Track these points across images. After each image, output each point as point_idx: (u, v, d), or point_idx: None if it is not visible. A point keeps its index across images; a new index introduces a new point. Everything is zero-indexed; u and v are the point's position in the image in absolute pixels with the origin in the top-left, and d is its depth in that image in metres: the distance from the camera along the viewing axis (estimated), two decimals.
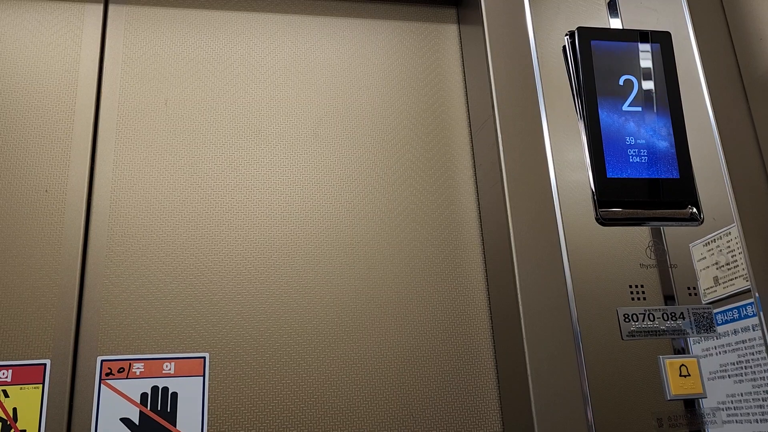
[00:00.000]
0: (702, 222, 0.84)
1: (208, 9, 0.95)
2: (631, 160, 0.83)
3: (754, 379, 0.77)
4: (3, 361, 0.76)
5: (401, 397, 0.82)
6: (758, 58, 0.90)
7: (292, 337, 0.82)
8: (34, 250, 0.80)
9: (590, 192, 0.82)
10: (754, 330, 0.78)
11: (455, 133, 0.96)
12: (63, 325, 0.78)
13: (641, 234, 0.82)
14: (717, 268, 0.82)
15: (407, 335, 0.85)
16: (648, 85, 0.87)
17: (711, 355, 0.78)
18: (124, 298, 0.80)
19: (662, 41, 0.89)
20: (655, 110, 0.86)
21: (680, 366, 0.76)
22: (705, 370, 0.77)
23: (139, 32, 0.92)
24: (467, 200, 0.92)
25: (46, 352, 0.77)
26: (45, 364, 0.76)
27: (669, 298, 0.79)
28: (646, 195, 0.82)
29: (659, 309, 0.78)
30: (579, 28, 0.87)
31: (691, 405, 0.75)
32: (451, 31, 1.01)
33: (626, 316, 0.77)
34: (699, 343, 0.78)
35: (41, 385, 0.75)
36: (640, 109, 0.85)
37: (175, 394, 0.77)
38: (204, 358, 0.79)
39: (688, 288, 0.81)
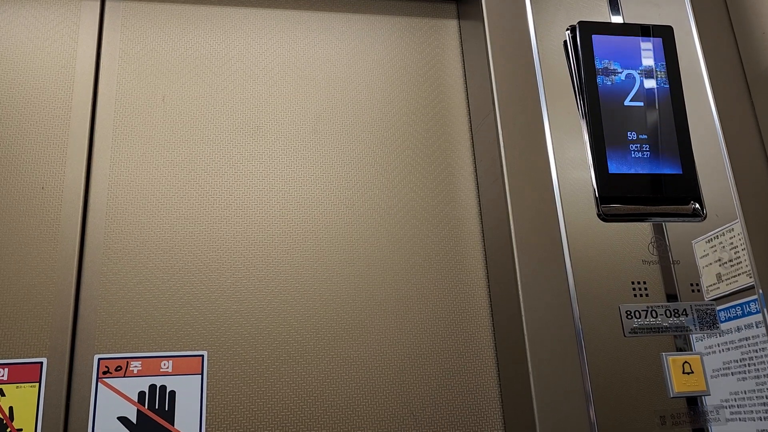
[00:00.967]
0: (705, 218, 0.83)
1: (205, 4, 0.94)
2: (633, 156, 0.82)
3: (758, 377, 0.76)
4: None
5: (401, 396, 0.82)
6: (761, 52, 0.90)
7: (291, 334, 0.82)
8: (31, 247, 0.80)
9: (592, 188, 0.81)
10: (757, 327, 0.78)
11: (455, 129, 0.95)
12: (60, 323, 0.77)
13: (643, 230, 0.81)
14: (720, 265, 0.81)
15: (407, 333, 0.84)
16: (650, 79, 0.86)
17: (714, 352, 0.78)
18: (121, 295, 0.80)
19: (664, 35, 0.89)
20: (657, 105, 0.85)
21: (683, 363, 0.75)
22: (708, 367, 0.77)
23: (136, 28, 0.91)
24: (468, 196, 0.92)
25: (43, 350, 0.76)
26: (42, 363, 0.75)
27: (671, 295, 0.79)
28: (648, 191, 0.82)
29: (662, 306, 0.78)
30: (580, 23, 0.87)
31: (694, 402, 0.75)
32: (451, 26, 1.01)
33: (628, 312, 0.76)
34: (702, 340, 0.78)
35: (38, 384, 0.74)
36: (642, 104, 0.85)
37: (173, 393, 0.77)
38: (202, 356, 0.79)
39: (691, 285, 0.80)
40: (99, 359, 0.77)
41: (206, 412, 0.77)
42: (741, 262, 0.81)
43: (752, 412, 0.75)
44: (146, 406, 0.76)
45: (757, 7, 0.91)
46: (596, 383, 0.73)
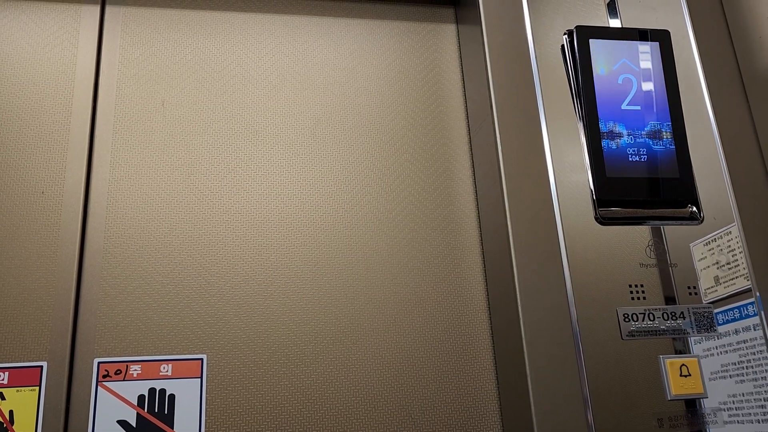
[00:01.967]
0: (702, 221, 0.83)
1: (205, 10, 0.95)
2: (630, 159, 0.83)
3: (756, 379, 0.76)
4: None
5: (400, 399, 0.82)
6: (758, 56, 0.90)
7: (290, 338, 0.82)
8: (31, 251, 0.80)
9: (589, 191, 0.81)
10: (755, 330, 0.78)
11: (453, 134, 0.95)
12: (60, 327, 0.77)
13: (641, 233, 0.81)
14: (717, 268, 0.81)
15: (406, 336, 0.84)
16: (647, 83, 0.86)
17: (712, 355, 0.78)
18: (121, 299, 0.80)
19: (661, 40, 0.89)
20: (654, 109, 0.85)
21: (681, 366, 0.75)
22: (706, 370, 0.77)
23: (136, 33, 0.92)
24: (466, 200, 0.92)
25: (43, 354, 0.76)
26: (42, 366, 0.76)
27: (669, 298, 0.79)
28: (645, 194, 0.82)
29: (659, 309, 0.78)
30: (577, 27, 0.87)
31: (692, 405, 0.75)
32: (449, 30, 1.01)
33: (626, 315, 0.77)
34: (700, 343, 0.78)
35: (38, 388, 0.75)
36: (639, 107, 0.85)
37: (172, 396, 0.77)
38: (201, 359, 0.79)
39: (689, 287, 0.80)
40: (99, 363, 0.77)
41: (206, 416, 0.77)
42: (738, 265, 0.81)
43: (750, 414, 0.76)
44: (146, 410, 0.76)
45: (754, 11, 0.92)
46: (594, 386, 0.73)
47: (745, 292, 0.80)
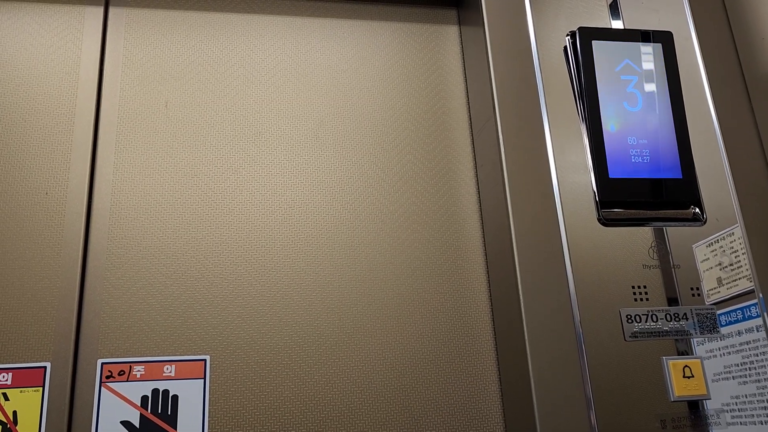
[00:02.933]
0: (705, 222, 0.83)
1: (208, 11, 0.95)
2: (633, 160, 0.83)
3: (759, 381, 0.76)
4: (3, 364, 0.76)
5: (403, 400, 0.82)
6: (760, 58, 0.90)
7: (293, 339, 0.82)
8: (35, 252, 0.80)
9: (592, 192, 0.81)
10: (758, 331, 0.78)
11: (456, 135, 0.95)
12: (63, 328, 0.78)
13: (644, 234, 0.81)
14: (720, 269, 0.81)
15: (408, 337, 0.84)
16: (650, 84, 0.86)
17: (715, 356, 0.78)
18: (124, 300, 0.80)
19: (664, 41, 0.89)
20: (657, 110, 0.85)
21: (684, 367, 0.75)
22: (709, 371, 0.77)
23: (140, 34, 0.92)
24: (469, 202, 0.92)
25: (47, 354, 0.76)
26: (45, 367, 0.76)
27: (672, 299, 0.79)
28: (648, 195, 0.82)
29: (662, 310, 0.78)
30: (580, 28, 0.87)
31: (695, 406, 0.75)
32: (451, 32, 1.01)
33: (629, 317, 0.77)
34: (703, 344, 0.78)
35: (41, 388, 0.75)
36: (642, 108, 0.85)
37: (175, 397, 0.77)
38: (205, 360, 0.79)
39: (692, 289, 0.80)
40: (102, 363, 0.77)
41: (209, 417, 0.77)
42: (741, 266, 0.81)
43: (753, 416, 0.75)
44: (149, 411, 0.76)
45: (757, 13, 0.92)
46: (597, 387, 0.73)
47: (748, 294, 0.80)
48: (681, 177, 0.83)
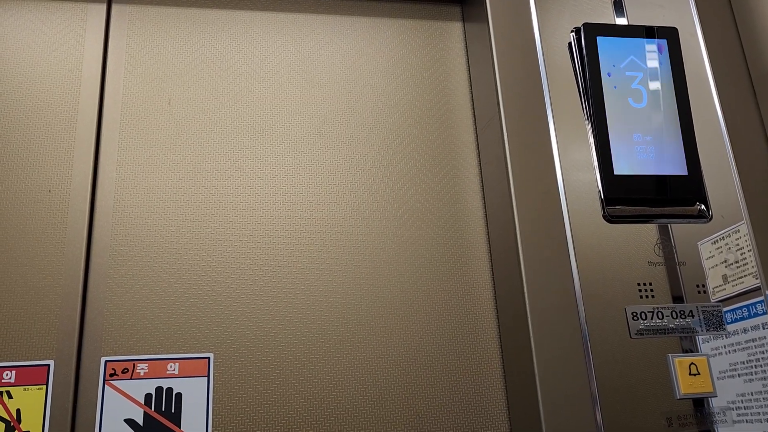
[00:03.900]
0: (710, 219, 0.83)
1: (211, 8, 0.94)
2: (638, 157, 0.82)
3: (765, 378, 0.76)
4: (6, 362, 0.75)
5: (407, 398, 0.82)
6: (766, 54, 0.90)
7: (297, 336, 0.82)
8: (38, 250, 0.80)
9: (597, 189, 0.81)
10: (764, 328, 0.77)
11: (460, 131, 0.95)
12: (67, 326, 0.77)
13: (649, 231, 0.81)
14: (726, 266, 0.81)
15: (413, 335, 0.84)
16: (655, 81, 0.86)
17: (721, 353, 0.78)
18: (128, 298, 0.80)
19: (669, 37, 0.89)
20: (662, 106, 0.85)
21: (690, 365, 0.75)
22: (715, 368, 0.76)
23: (143, 31, 0.92)
24: (473, 199, 0.92)
25: (50, 352, 0.76)
26: (49, 365, 0.76)
27: (677, 297, 0.79)
28: (653, 192, 0.81)
29: (668, 307, 0.77)
30: (585, 24, 0.87)
31: (700, 404, 0.74)
32: (455, 28, 1.01)
33: (634, 314, 0.76)
34: (708, 341, 0.78)
35: (45, 386, 0.75)
36: (647, 105, 0.85)
37: (179, 395, 0.77)
38: (208, 358, 0.79)
39: (697, 286, 0.80)
40: (106, 361, 0.77)
41: (212, 415, 0.77)
42: (747, 263, 0.80)
43: (759, 413, 0.75)
44: (153, 408, 0.76)
45: (762, 9, 0.91)
46: (602, 385, 0.73)
47: (753, 291, 0.79)
48: (686, 174, 0.83)
